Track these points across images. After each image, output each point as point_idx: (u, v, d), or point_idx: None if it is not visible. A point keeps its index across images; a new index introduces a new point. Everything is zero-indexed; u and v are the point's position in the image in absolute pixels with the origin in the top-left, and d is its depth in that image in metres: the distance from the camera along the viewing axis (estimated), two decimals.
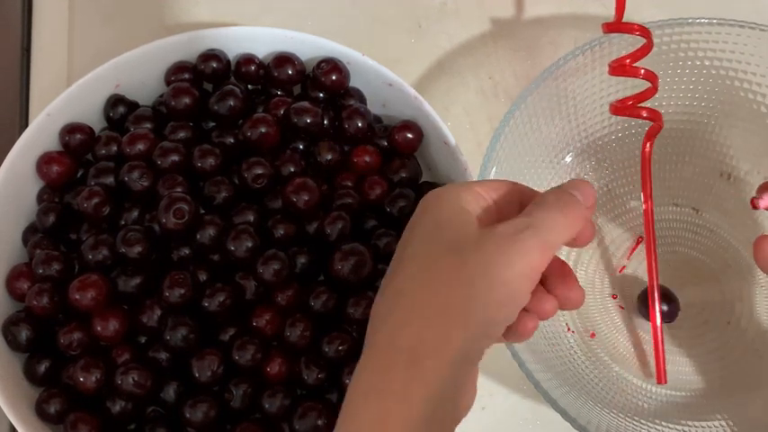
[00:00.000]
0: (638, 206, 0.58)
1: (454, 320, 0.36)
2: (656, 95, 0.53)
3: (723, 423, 0.53)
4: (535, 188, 0.42)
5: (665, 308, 0.57)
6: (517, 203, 0.41)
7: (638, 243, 0.60)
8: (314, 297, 0.53)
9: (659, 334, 0.56)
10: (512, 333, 0.40)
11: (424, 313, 0.37)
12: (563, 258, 0.59)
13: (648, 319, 0.57)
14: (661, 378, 0.56)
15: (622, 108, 0.53)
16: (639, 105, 0.53)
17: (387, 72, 0.58)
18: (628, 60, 0.51)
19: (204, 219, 0.53)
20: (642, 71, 0.51)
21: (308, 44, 0.60)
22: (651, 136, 0.55)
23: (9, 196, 0.55)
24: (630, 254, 0.60)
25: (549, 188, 0.41)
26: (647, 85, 0.52)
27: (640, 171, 0.56)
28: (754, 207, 0.45)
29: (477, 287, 0.36)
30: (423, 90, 0.65)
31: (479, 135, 0.63)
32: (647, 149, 0.56)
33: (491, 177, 0.53)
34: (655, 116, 0.53)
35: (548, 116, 0.56)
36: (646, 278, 0.57)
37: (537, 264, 0.37)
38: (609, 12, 0.49)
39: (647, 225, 0.56)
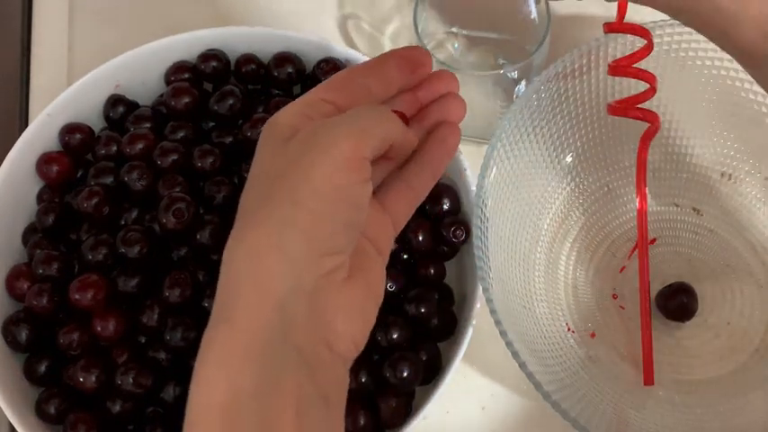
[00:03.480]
0: None
1: (268, 264, 0.34)
2: (656, 95, 0.53)
3: (723, 424, 0.53)
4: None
5: (684, 302, 0.57)
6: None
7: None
8: None
9: (648, 335, 0.56)
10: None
11: (237, 265, 0.35)
12: (563, 261, 0.59)
13: (667, 317, 0.57)
14: (649, 379, 0.56)
15: (620, 109, 0.53)
16: (637, 107, 0.53)
17: None
18: (628, 61, 0.51)
19: (204, 219, 0.53)
20: (641, 72, 0.51)
21: (308, 44, 0.60)
22: (648, 138, 0.55)
23: (9, 196, 0.55)
24: (631, 254, 0.60)
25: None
26: (648, 85, 0.52)
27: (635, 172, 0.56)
28: None
29: (283, 210, 0.34)
30: None
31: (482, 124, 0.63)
32: (644, 151, 0.56)
33: (492, 178, 0.53)
34: (651, 118, 0.53)
35: (548, 116, 0.56)
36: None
37: (348, 150, 0.35)
38: (609, 12, 0.49)
39: (641, 225, 0.56)
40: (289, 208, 0.34)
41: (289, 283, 0.34)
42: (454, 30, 0.66)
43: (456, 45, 0.66)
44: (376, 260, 0.39)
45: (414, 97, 0.42)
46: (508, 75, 0.60)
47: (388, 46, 0.67)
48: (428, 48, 0.60)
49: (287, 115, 0.38)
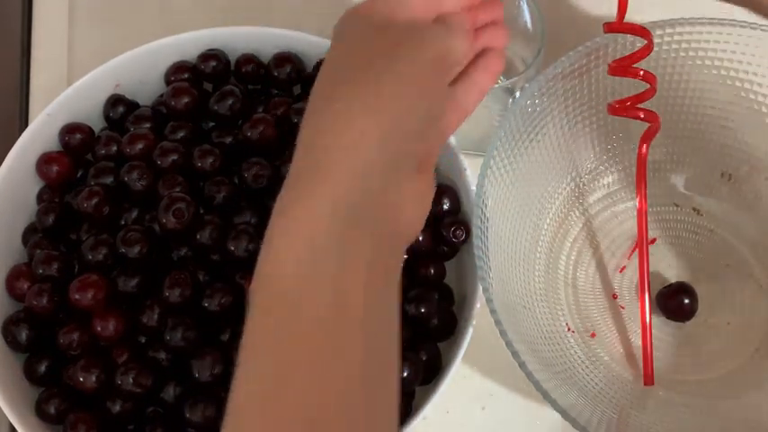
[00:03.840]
0: None
1: (364, 117, 0.36)
2: (656, 95, 0.53)
3: (724, 423, 0.53)
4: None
5: (684, 302, 0.57)
6: None
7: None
8: None
9: (648, 335, 0.56)
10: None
11: (331, 117, 0.36)
12: (563, 261, 0.59)
13: (667, 317, 0.57)
14: (648, 379, 0.56)
15: (620, 108, 0.53)
16: (637, 106, 0.53)
17: None
18: (628, 61, 0.51)
19: (204, 219, 0.53)
20: (642, 72, 0.51)
21: (307, 44, 0.60)
22: (648, 138, 0.55)
23: (9, 196, 0.55)
24: (631, 254, 0.60)
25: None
26: (648, 85, 0.52)
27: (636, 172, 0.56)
28: None
29: (384, 82, 0.36)
30: None
31: (479, 134, 0.63)
32: (644, 151, 0.56)
33: (492, 178, 0.53)
34: (652, 118, 0.53)
35: (548, 116, 0.56)
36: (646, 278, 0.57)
37: (444, 51, 0.38)
38: (609, 12, 0.49)
39: (641, 225, 0.56)
40: (392, 82, 0.36)
41: (374, 155, 0.35)
42: None
43: None
44: (434, 160, 0.41)
45: (474, 17, 0.43)
46: (505, 87, 0.60)
47: None
48: None
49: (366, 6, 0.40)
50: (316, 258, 0.34)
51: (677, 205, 0.61)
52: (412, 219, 0.38)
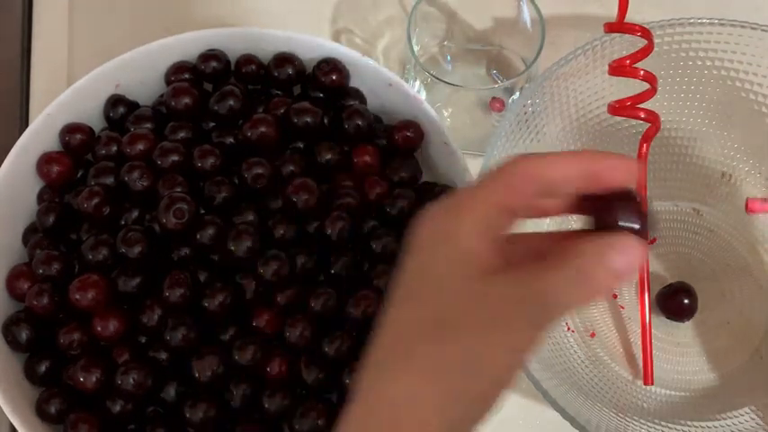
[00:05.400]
0: None
1: (423, 417, 0.32)
2: (656, 95, 0.53)
3: (723, 423, 0.53)
4: None
5: (684, 302, 0.57)
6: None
7: None
8: (314, 297, 0.53)
9: (648, 335, 0.56)
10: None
11: (389, 408, 0.33)
12: None
13: (667, 317, 0.57)
14: (648, 379, 0.56)
15: (621, 109, 0.53)
16: (638, 106, 0.53)
17: (387, 72, 0.58)
18: (628, 61, 0.51)
19: (204, 219, 0.53)
20: (642, 72, 0.51)
21: (308, 44, 0.60)
22: (648, 138, 0.55)
23: (9, 196, 0.55)
24: None
25: None
26: (648, 85, 0.52)
27: None
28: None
29: (455, 381, 0.32)
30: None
31: (479, 134, 0.63)
32: (644, 151, 0.56)
33: None
34: (652, 118, 0.53)
35: (548, 116, 0.56)
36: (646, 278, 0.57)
37: (535, 339, 0.32)
38: (609, 12, 0.49)
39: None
40: (460, 378, 0.32)
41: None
42: (447, 43, 0.66)
43: (449, 58, 0.66)
44: None
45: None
46: (505, 87, 0.60)
47: (380, 60, 0.67)
48: (421, 61, 0.60)
49: (469, 237, 0.33)
50: None
51: (677, 205, 0.61)
52: None
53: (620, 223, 0.33)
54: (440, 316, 0.33)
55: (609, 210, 0.34)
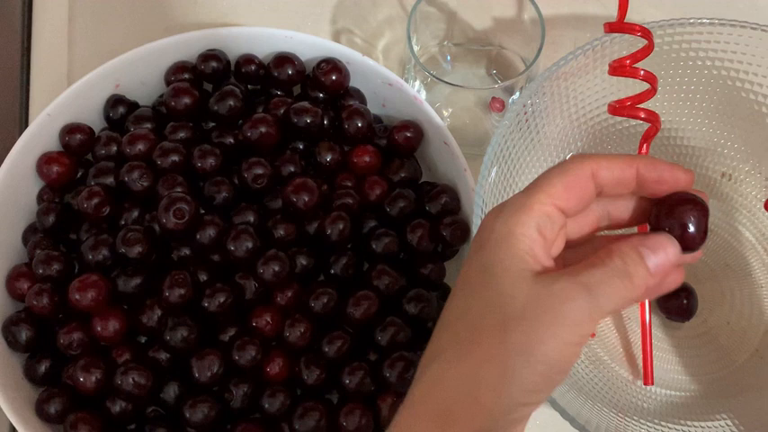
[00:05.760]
0: None
1: (484, 394, 0.35)
2: (656, 95, 0.53)
3: (723, 423, 0.53)
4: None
5: (684, 302, 0.57)
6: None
7: None
8: (314, 297, 0.53)
9: (648, 335, 0.56)
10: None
11: (456, 382, 0.36)
12: None
13: (667, 317, 0.57)
14: (648, 379, 0.56)
15: (620, 109, 0.53)
16: (638, 106, 0.53)
17: (387, 72, 0.58)
18: (628, 61, 0.51)
19: (204, 219, 0.53)
20: (642, 72, 0.51)
21: (308, 44, 0.60)
22: (648, 137, 0.55)
23: (9, 196, 0.55)
24: None
25: None
26: (648, 85, 0.52)
27: None
28: None
29: (515, 363, 0.35)
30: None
31: (479, 134, 0.63)
32: (644, 151, 0.56)
33: (491, 178, 0.53)
34: (652, 117, 0.53)
35: (548, 116, 0.56)
36: None
37: (585, 332, 0.35)
38: (608, 11, 0.49)
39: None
40: (520, 360, 0.35)
41: (493, 417, 0.35)
42: (447, 43, 0.66)
43: (449, 57, 0.66)
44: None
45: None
46: (505, 87, 0.60)
47: (380, 59, 0.67)
48: (421, 61, 0.60)
49: (527, 237, 0.36)
50: None
51: None
52: None
53: (667, 227, 0.38)
54: (501, 310, 0.36)
55: (659, 215, 0.38)
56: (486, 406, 0.35)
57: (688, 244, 0.38)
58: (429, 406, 0.36)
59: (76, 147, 0.57)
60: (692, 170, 0.39)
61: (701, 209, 0.38)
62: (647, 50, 0.50)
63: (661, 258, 0.37)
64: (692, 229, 0.38)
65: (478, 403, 0.35)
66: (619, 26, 0.50)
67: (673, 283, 0.40)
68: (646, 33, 0.50)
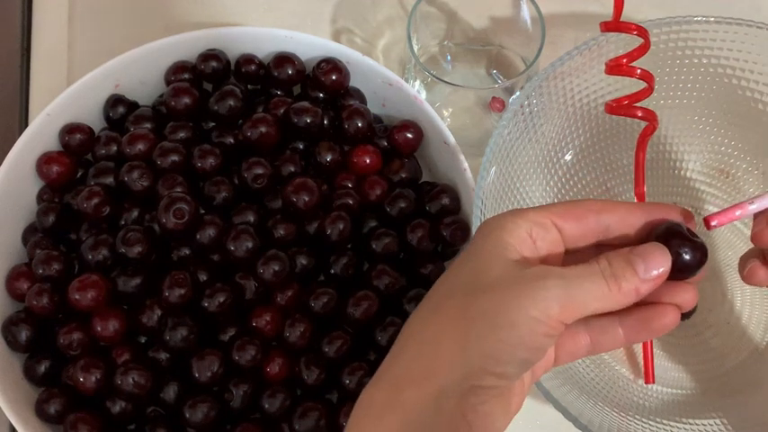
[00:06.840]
0: None
1: (443, 355, 0.36)
2: (655, 94, 0.53)
3: (724, 422, 0.53)
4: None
5: None
6: (596, 228, 0.39)
7: None
8: (314, 297, 0.53)
9: None
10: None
11: (416, 347, 0.37)
12: None
13: None
14: (649, 378, 0.56)
15: (618, 107, 0.53)
16: (635, 105, 0.53)
17: (387, 72, 0.59)
18: (624, 60, 0.51)
19: (204, 219, 0.53)
20: (638, 71, 0.51)
21: (307, 44, 0.60)
22: (645, 136, 0.55)
23: (9, 196, 0.55)
24: None
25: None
26: (645, 84, 0.52)
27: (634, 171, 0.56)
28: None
29: (478, 325, 0.36)
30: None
31: (479, 134, 0.63)
32: (642, 149, 0.56)
33: (491, 178, 0.53)
34: (650, 116, 0.53)
35: (546, 115, 0.56)
36: None
37: (552, 313, 0.36)
38: (608, 11, 0.49)
39: None
40: (483, 323, 0.36)
41: (452, 378, 0.36)
42: (447, 43, 0.66)
43: (449, 58, 0.66)
44: (525, 384, 0.40)
45: None
46: (505, 87, 0.60)
47: (380, 59, 0.67)
48: (421, 61, 0.60)
49: (515, 233, 0.38)
50: None
51: (676, 204, 0.61)
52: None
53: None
54: (472, 280, 0.37)
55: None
56: (444, 367, 0.36)
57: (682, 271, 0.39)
58: (390, 373, 0.37)
59: (76, 147, 0.57)
60: (689, 210, 0.42)
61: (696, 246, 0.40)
62: (643, 49, 0.50)
63: (650, 264, 0.38)
64: (687, 257, 0.39)
65: (437, 364, 0.36)
66: (615, 25, 0.50)
67: (687, 303, 0.41)
68: (642, 32, 0.50)
